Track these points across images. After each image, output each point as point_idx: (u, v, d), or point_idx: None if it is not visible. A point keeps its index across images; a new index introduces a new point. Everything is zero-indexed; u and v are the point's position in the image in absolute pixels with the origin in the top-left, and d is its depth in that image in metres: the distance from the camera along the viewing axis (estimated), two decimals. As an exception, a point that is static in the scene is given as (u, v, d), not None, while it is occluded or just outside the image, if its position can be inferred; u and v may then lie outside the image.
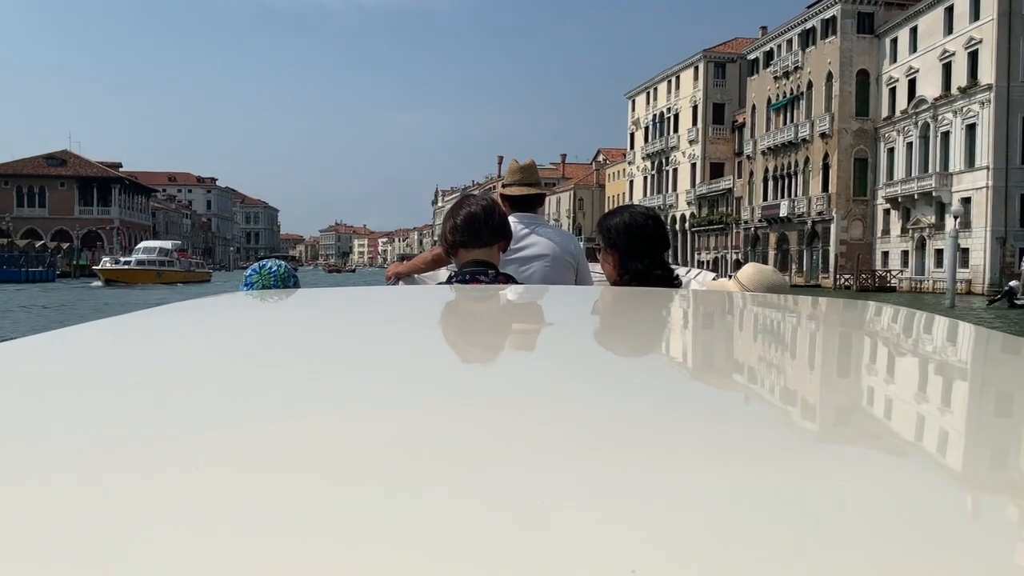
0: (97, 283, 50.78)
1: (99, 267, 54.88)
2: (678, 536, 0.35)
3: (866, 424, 0.63)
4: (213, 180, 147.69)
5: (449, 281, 2.37)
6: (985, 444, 0.57)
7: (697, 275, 3.13)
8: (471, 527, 0.36)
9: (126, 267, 54.25)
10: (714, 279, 3.07)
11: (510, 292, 1.82)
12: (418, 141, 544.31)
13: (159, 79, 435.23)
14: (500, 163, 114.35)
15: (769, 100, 57.99)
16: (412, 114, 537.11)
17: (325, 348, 0.93)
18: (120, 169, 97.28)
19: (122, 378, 0.74)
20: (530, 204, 3.07)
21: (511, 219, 2.73)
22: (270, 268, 2.82)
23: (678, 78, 69.95)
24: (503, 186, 3.14)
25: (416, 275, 3.06)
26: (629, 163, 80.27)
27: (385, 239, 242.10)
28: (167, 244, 62.35)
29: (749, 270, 2.66)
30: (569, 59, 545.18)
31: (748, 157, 60.65)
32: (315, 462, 0.44)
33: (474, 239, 2.35)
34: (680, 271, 2.88)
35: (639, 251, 2.45)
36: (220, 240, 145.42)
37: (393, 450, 0.46)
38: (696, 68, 66.91)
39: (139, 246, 60.38)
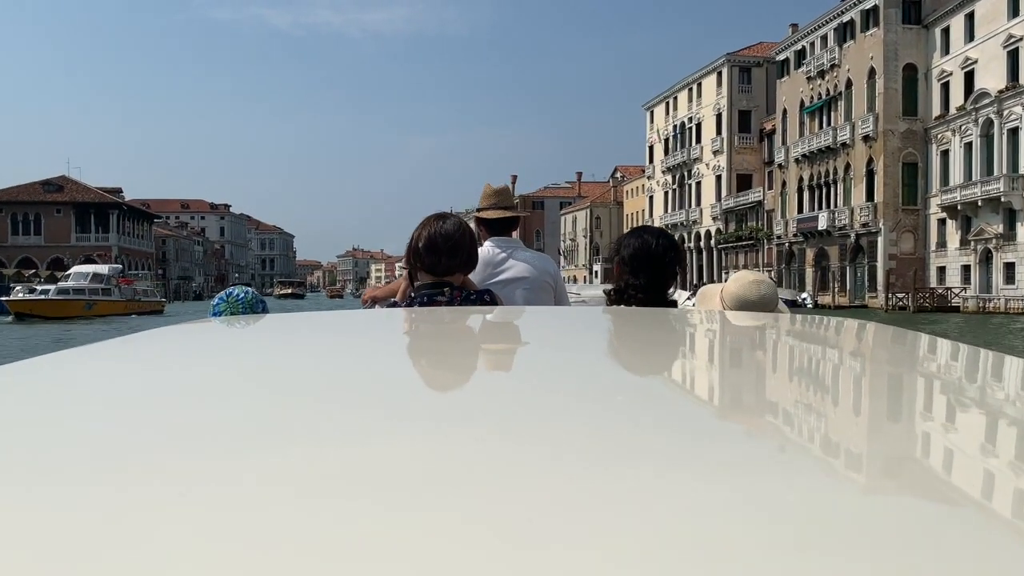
0: (6, 319, 39.00)
1: (7, 298, 41.67)
2: (672, 548, 0.36)
3: (851, 438, 0.64)
4: (227, 206, 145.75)
5: (410, 303, 2.33)
6: (978, 461, 0.57)
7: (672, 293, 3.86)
8: (466, 543, 0.36)
9: (42, 298, 41.56)
10: (688, 298, 3.42)
11: (484, 313, 1.84)
12: (433, 164, 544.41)
13: (171, 106, 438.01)
14: (513, 182, 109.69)
15: (802, 103, 52.88)
16: (427, 139, 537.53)
17: (296, 374, 0.92)
18: (127, 196, 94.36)
19: (87, 409, 0.73)
20: (506, 228, 3.03)
21: (488, 244, 2.86)
22: (238, 296, 2.83)
23: (700, 85, 65.20)
24: (478, 210, 3.10)
25: (393, 299, 2.98)
26: (648, 178, 75.40)
27: (402, 263, 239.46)
28: (103, 269, 49.38)
29: (731, 287, 2.62)
30: (585, 78, 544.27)
31: (780, 166, 55.47)
32: (296, 488, 0.43)
33: (433, 266, 2.31)
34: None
35: (646, 275, 2.48)
36: (234, 267, 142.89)
37: (378, 471, 0.46)
38: (719, 74, 62.12)
39: (70, 271, 50.25)
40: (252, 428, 0.60)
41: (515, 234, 3.09)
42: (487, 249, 2.74)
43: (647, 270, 2.46)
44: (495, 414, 0.67)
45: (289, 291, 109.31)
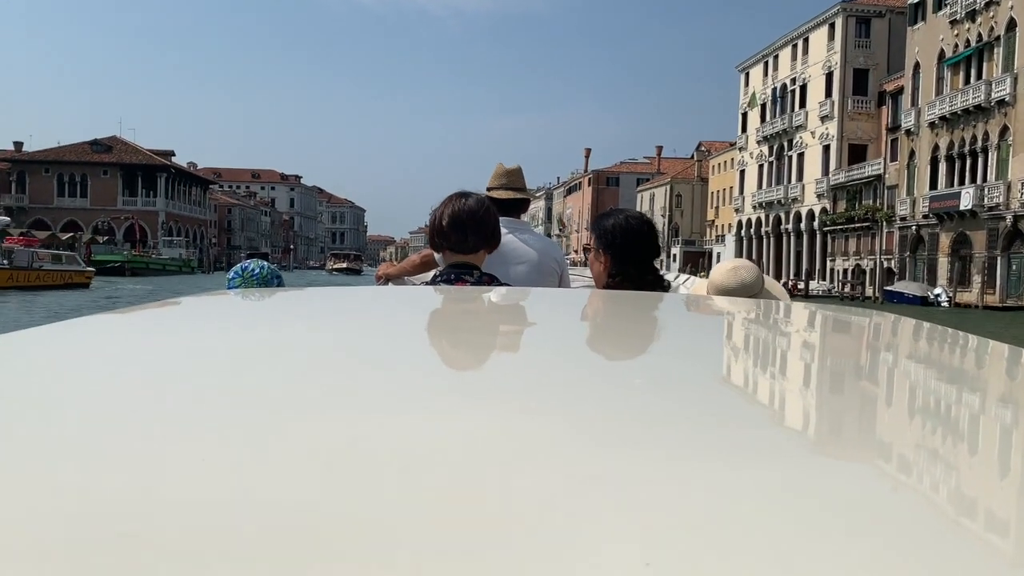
0: None
1: None
2: (691, 531, 0.36)
3: (861, 429, 0.65)
4: (298, 178, 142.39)
5: (434, 281, 2.34)
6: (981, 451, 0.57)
7: (685, 280, 3.58)
8: (485, 524, 0.36)
9: None
10: (685, 281, 3.66)
11: (504, 293, 1.87)
12: (508, 142, 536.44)
13: (249, 78, 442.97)
14: (587, 156, 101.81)
15: (942, 53, 42.60)
16: (506, 117, 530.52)
17: (312, 348, 0.91)
18: (200, 165, 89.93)
19: (101, 379, 0.72)
20: (515, 209, 3.12)
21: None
22: (252, 270, 2.85)
23: (807, 40, 55.28)
24: (488, 189, 3.15)
25: (406, 277, 3.00)
26: (740, 149, 65.60)
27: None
28: None
29: (711, 275, 2.70)
30: (669, 53, 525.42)
31: (907, 132, 45.31)
32: (312, 466, 0.43)
33: (460, 244, 2.31)
34: (668, 276, 3.01)
35: (632, 254, 2.50)
36: (302, 239, 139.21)
37: (395, 450, 0.46)
38: (832, 26, 52.17)
39: None
40: (261, 400, 0.60)
41: (524, 217, 3.22)
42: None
43: (637, 252, 2.48)
44: (508, 394, 0.66)
45: (344, 265, 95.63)
